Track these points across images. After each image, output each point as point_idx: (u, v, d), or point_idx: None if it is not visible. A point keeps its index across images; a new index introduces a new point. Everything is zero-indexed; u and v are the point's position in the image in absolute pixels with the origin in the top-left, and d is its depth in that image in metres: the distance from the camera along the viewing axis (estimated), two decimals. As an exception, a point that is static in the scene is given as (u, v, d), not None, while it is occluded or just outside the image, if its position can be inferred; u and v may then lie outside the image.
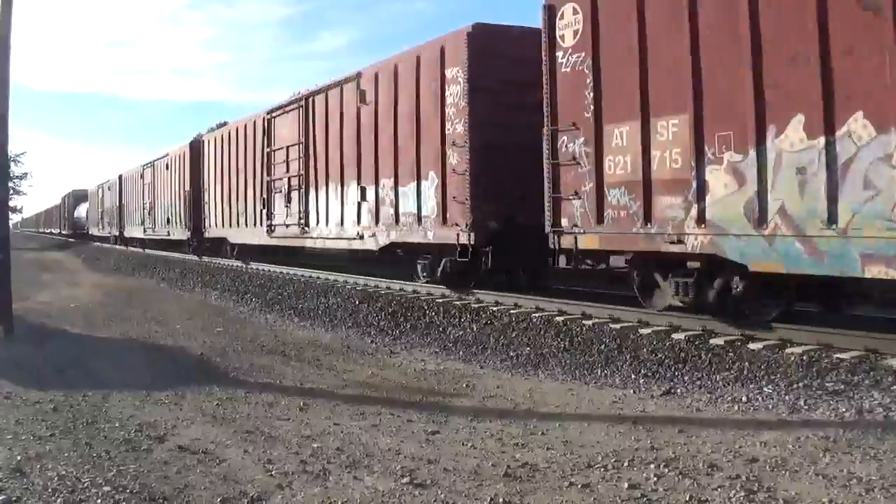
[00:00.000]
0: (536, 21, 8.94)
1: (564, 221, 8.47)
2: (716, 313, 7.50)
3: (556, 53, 8.48)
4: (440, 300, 10.65)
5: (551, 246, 8.61)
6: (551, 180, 8.56)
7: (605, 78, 7.96)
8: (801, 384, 5.95)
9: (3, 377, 7.17)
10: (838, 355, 6.21)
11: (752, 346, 6.78)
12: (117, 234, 35.23)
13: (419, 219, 11.08)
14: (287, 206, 15.66)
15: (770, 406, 5.73)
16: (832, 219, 5.90)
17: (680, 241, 7.16)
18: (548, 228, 8.63)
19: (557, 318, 8.74)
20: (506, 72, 9.94)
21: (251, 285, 15.69)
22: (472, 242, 9.96)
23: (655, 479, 4.16)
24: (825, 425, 5.11)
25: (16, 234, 56.48)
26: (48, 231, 73.55)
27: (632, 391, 6.55)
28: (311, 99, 14.76)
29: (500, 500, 3.94)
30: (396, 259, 13.17)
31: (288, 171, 15.71)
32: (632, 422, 5.45)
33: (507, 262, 10.45)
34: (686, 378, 6.62)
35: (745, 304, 7.26)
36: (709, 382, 6.43)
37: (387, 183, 11.91)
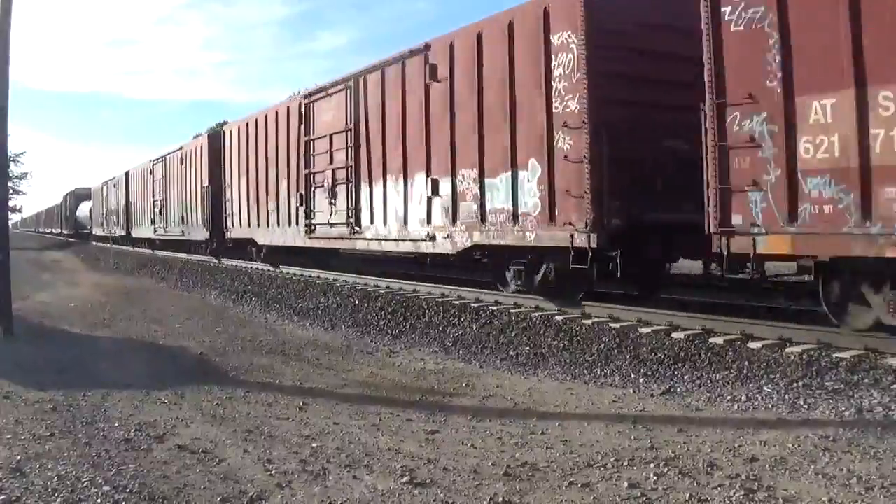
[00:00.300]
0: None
1: (737, 219, 6.84)
2: None
3: (722, 9, 6.91)
4: (440, 299, 10.64)
5: (717, 250, 7.04)
6: (717, 168, 6.96)
7: (796, 37, 6.36)
8: (800, 383, 5.95)
9: (3, 377, 7.17)
10: (838, 354, 6.21)
11: (751, 345, 6.78)
12: (124, 233, 33.34)
13: (514, 217, 9.25)
14: (332, 203, 13.70)
15: (770, 405, 5.73)
16: None
17: None
18: (712, 228, 7.03)
19: (557, 317, 8.73)
20: (632, 36, 8.41)
21: (251, 285, 15.67)
22: (592, 245, 8.16)
23: (655, 478, 4.16)
24: (825, 424, 5.11)
25: (15, 234, 56.42)
26: (48, 231, 73.22)
27: (631, 390, 6.55)
28: (362, 79, 12.66)
29: (500, 499, 3.94)
30: (473, 264, 11.62)
31: (331, 162, 13.71)
32: (631, 421, 5.45)
33: (633, 268, 8.59)
34: (686, 377, 6.61)
35: None
36: (708, 381, 6.43)
37: (468, 174, 10.06)
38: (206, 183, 21.10)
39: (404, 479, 4.26)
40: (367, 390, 6.93)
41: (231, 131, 19.66)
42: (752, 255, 6.77)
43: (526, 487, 4.11)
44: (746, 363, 6.49)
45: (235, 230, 19.35)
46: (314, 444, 4.98)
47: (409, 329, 9.98)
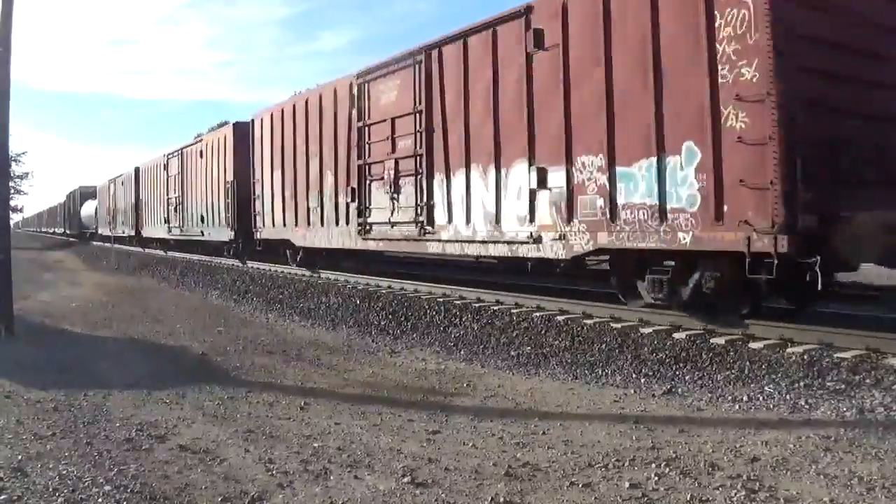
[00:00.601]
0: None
1: None
2: None
3: None
4: (441, 299, 10.64)
5: None
6: None
7: None
8: (802, 383, 5.95)
9: (4, 376, 7.18)
10: (839, 354, 6.22)
11: (752, 345, 6.78)
12: (133, 234, 31.22)
13: (660, 214, 7.48)
14: (393, 199, 11.84)
15: (771, 405, 5.72)
16: None
17: None
18: None
19: (559, 317, 8.73)
20: None
21: (252, 285, 15.68)
22: (780, 250, 6.38)
23: (656, 478, 4.16)
24: (826, 424, 5.11)
25: (17, 234, 56.53)
26: (50, 231, 72.83)
27: (633, 390, 6.55)
28: (435, 51, 10.79)
29: (501, 499, 3.94)
30: (586, 270, 10.07)
31: (393, 150, 11.82)
32: (633, 421, 5.45)
33: (828, 278, 6.70)
34: (687, 377, 6.61)
35: None
36: (710, 382, 6.43)
37: (590, 161, 8.26)
38: (230, 178, 18.99)
39: (405, 479, 4.26)
40: (369, 390, 6.93)
41: (262, 119, 17.20)
42: None
43: (527, 487, 4.11)
44: (748, 363, 6.49)
45: (267, 230, 17.04)
46: (315, 444, 4.99)
47: (410, 329, 9.98)
